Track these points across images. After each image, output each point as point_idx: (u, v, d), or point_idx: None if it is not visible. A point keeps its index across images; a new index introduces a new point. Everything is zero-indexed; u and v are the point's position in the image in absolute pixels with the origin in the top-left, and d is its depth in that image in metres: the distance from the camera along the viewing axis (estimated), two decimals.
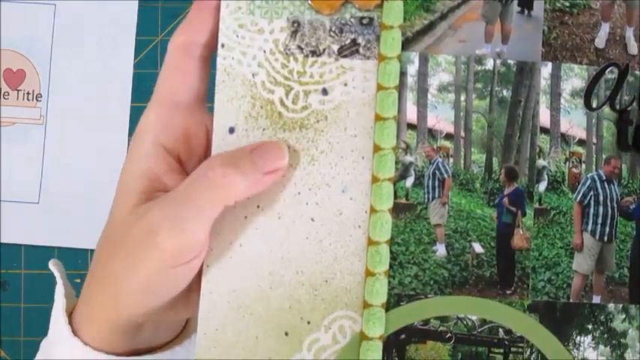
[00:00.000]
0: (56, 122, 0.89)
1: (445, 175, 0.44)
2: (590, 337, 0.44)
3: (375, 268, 0.42)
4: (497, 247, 0.43)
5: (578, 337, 0.44)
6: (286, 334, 0.43)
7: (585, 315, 0.44)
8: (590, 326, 0.44)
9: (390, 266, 0.43)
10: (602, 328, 0.44)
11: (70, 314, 0.46)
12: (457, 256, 0.43)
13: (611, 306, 0.44)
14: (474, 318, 0.43)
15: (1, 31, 0.89)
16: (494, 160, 0.44)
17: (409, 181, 0.43)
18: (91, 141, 0.89)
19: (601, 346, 0.44)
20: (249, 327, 0.43)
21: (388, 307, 0.43)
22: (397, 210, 0.43)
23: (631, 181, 0.44)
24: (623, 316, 0.44)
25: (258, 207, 0.43)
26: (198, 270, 0.43)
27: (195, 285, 0.44)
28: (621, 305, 0.44)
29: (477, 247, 0.43)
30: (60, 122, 0.89)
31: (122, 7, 0.90)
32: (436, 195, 0.43)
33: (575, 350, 0.44)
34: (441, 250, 0.43)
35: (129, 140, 0.44)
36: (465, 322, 0.43)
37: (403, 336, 0.43)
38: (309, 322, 0.43)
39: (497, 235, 0.43)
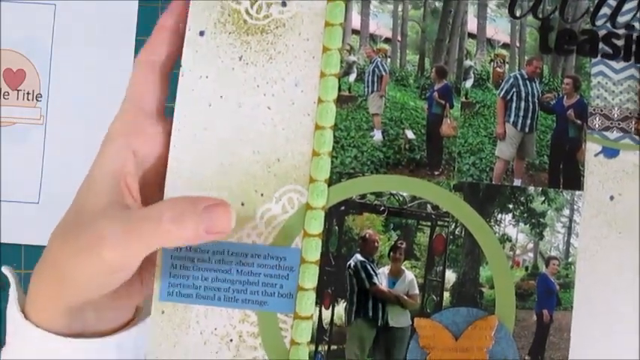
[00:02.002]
0: (56, 122, 0.88)
1: (383, 72, 0.50)
2: (510, 215, 0.49)
3: (320, 149, 0.49)
4: (427, 134, 0.50)
5: (500, 215, 0.49)
6: (242, 204, 0.50)
7: (506, 195, 0.49)
8: (510, 206, 0.49)
9: (333, 148, 0.50)
10: (522, 207, 0.49)
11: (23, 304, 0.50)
12: (391, 141, 0.50)
13: (531, 189, 0.49)
14: (405, 194, 0.49)
15: (1, 31, 0.89)
16: (427, 60, 0.50)
17: (352, 77, 0.51)
18: (91, 141, 0.82)
19: (521, 224, 0.49)
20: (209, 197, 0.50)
21: (330, 182, 0.49)
22: (341, 101, 0.50)
23: (552, 80, 0.50)
24: (543, 198, 0.49)
25: (221, 97, 0.51)
26: (138, 269, 0.48)
27: (135, 281, 0.49)
28: (541, 189, 0.49)
29: (409, 134, 0.50)
30: (60, 122, 0.88)
31: (122, 7, 0.89)
32: (375, 89, 0.50)
33: (496, 226, 0.49)
34: (377, 135, 0.50)
35: None
36: (397, 198, 0.49)
37: (343, 208, 0.49)
38: (262, 195, 0.50)
39: (428, 124, 0.50)
